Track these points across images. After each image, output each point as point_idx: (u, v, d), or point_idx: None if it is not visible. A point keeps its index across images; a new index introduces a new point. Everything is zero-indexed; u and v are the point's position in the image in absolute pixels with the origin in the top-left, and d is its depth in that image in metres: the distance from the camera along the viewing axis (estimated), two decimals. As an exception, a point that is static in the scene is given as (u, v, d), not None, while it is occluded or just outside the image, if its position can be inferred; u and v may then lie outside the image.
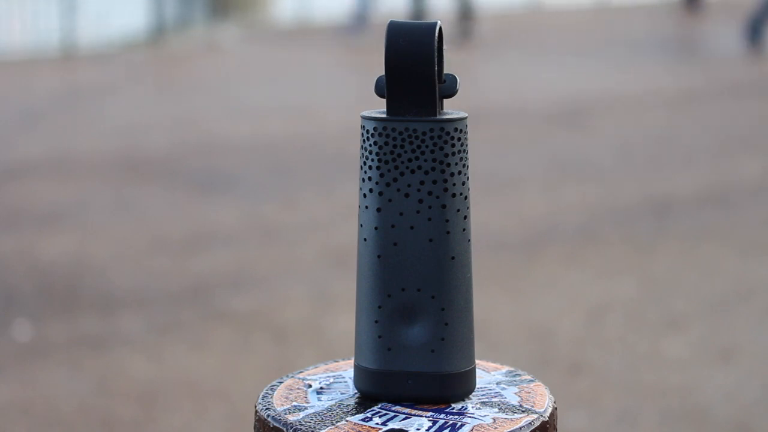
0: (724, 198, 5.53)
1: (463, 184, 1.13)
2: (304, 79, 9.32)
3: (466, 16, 11.36)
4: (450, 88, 1.14)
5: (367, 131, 1.13)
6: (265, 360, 3.62)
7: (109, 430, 3.20)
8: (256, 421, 1.13)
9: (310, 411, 1.13)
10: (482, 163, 5.99)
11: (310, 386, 1.19)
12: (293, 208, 5.34)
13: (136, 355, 3.67)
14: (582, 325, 3.91)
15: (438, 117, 1.12)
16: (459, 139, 1.13)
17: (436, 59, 1.11)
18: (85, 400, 3.35)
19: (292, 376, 1.22)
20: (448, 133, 1.12)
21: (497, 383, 1.19)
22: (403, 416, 1.12)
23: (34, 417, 3.28)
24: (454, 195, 1.12)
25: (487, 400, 1.15)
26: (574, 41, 11.61)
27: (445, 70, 1.14)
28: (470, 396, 1.16)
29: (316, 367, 1.24)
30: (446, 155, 1.12)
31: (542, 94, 8.45)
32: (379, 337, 1.14)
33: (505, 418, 1.11)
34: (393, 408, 1.13)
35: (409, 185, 1.12)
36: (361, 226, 1.14)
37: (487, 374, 1.22)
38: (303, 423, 1.10)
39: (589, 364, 3.58)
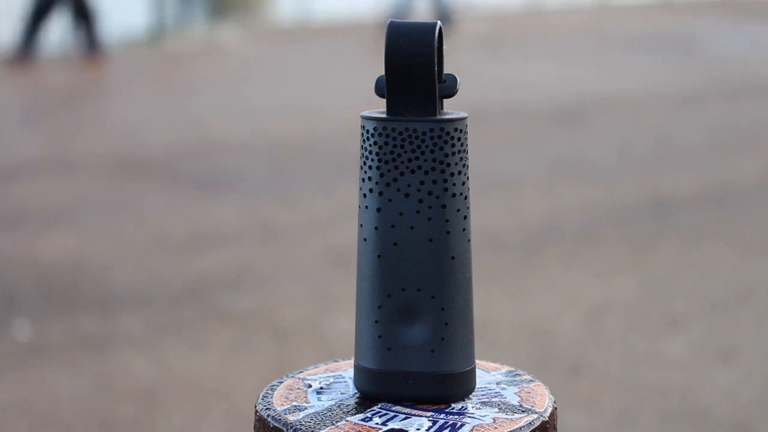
0: (724, 198, 5.53)
1: (463, 184, 1.13)
2: (304, 79, 9.32)
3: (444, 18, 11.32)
4: (450, 88, 1.14)
5: (367, 131, 1.13)
6: (265, 360, 3.62)
7: (109, 430, 3.20)
8: (256, 421, 1.13)
9: (310, 411, 1.13)
10: (482, 163, 5.99)
11: (310, 386, 1.19)
12: (293, 208, 5.34)
13: (136, 355, 3.67)
14: (582, 325, 3.91)
15: (438, 117, 1.12)
16: (459, 139, 1.13)
17: (436, 59, 1.11)
18: (85, 400, 3.35)
19: (292, 376, 1.22)
20: (448, 133, 1.12)
21: (497, 383, 1.20)
22: (403, 416, 1.12)
23: (34, 417, 3.28)
24: (454, 195, 1.12)
25: (487, 400, 1.15)
26: (575, 41, 11.61)
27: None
28: (470, 396, 1.16)
29: (316, 367, 1.24)
30: (446, 155, 1.12)
31: (542, 94, 8.45)
32: (379, 337, 1.14)
33: (505, 418, 1.11)
34: (393, 408, 1.13)
35: (409, 185, 1.12)
36: (361, 226, 1.14)
37: (487, 374, 1.22)
38: (303, 423, 1.10)
39: (589, 364, 3.58)
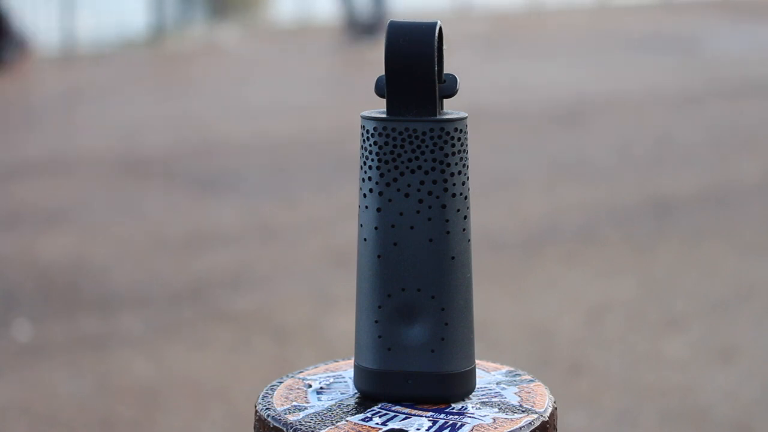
0: (724, 198, 5.53)
1: (463, 184, 1.13)
2: (304, 79, 9.32)
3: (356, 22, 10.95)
4: (450, 88, 1.13)
5: (367, 131, 1.13)
6: (265, 360, 3.62)
7: (109, 430, 3.20)
8: (256, 421, 1.13)
9: (310, 411, 1.13)
10: (482, 163, 5.99)
11: (310, 386, 1.19)
12: (293, 208, 5.34)
13: (136, 355, 3.67)
14: (582, 325, 3.91)
15: (438, 117, 1.12)
16: (459, 139, 1.13)
17: (436, 59, 1.11)
18: (85, 400, 3.35)
19: (292, 376, 1.22)
20: (448, 133, 1.12)
21: (497, 383, 1.19)
22: (403, 416, 1.11)
23: (34, 417, 3.28)
24: (454, 195, 1.12)
25: (487, 400, 1.15)
26: (575, 41, 11.60)
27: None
28: (470, 396, 1.16)
29: (316, 367, 1.24)
30: (446, 155, 1.12)
31: (542, 94, 8.45)
32: (379, 337, 1.13)
33: (505, 418, 1.11)
34: (393, 408, 1.13)
35: (409, 185, 1.12)
36: (361, 226, 1.14)
37: (487, 374, 1.22)
38: (303, 423, 1.10)
39: (589, 364, 3.58)
